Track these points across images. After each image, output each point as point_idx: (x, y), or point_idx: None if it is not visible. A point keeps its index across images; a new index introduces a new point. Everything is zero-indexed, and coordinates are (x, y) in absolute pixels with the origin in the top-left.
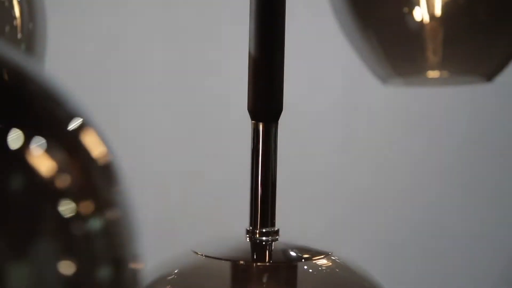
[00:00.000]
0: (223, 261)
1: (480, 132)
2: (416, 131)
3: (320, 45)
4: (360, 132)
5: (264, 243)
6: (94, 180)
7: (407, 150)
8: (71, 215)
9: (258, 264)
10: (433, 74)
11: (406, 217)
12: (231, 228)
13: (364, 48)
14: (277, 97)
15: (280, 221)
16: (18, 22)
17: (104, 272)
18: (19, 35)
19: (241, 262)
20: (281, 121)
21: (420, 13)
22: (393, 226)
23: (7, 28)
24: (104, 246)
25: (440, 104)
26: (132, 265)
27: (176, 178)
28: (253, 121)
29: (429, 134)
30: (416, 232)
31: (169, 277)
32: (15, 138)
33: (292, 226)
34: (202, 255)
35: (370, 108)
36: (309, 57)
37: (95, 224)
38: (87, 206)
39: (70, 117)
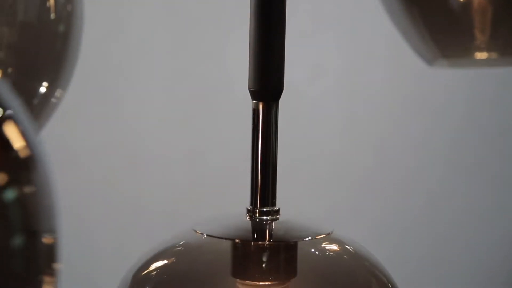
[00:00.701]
0: (223, 239)
1: (479, 114)
2: (416, 114)
3: (322, 28)
4: (361, 115)
5: (264, 222)
6: (12, 154)
7: (407, 133)
8: None
9: (258, 243)
10: (480, 55)
11: (406, 199)
12: (232, 208)
13: (409, 29)
14: (277, 76)
15: (281, 204)
16: (54, 4)
17: (17, 242)
18: (58, 17)
19: (242, 240)
20: (282, 104)
21: None
22: (394, 208)
23: (46, 10)
24: (18, 217)
25: (439, 87)
26: (46, 239)
27: (178, 160)
28: (253, 101)
29: (429, 117)
30: (417, 214)
31: (169, 256)
32: None
33: (293, 209)
34: (202, 233)
35: (370, 92)
36: (311, 39)
37: (10, 195)
38: (2, 178)
39: None
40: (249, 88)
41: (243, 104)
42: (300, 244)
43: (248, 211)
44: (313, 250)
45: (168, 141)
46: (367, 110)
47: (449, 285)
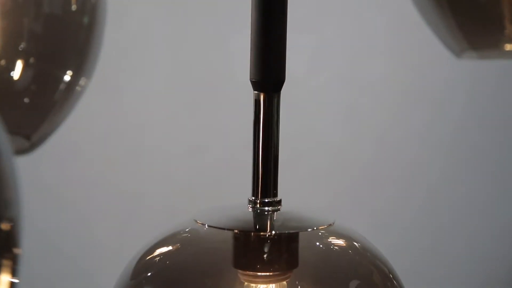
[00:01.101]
0: (224, 230)
1: (480, 106)
2: (417, 106)
3: (323, 18)
4: (362, 106)
5: (266, 213)
6: None
7: (408, 125)
8: None
9: (260, 233)
10: (510, 46)
11: (407, 191)
12: (233, 200)
13: (438, 21)
14: (279, 67)
15: (282, 194)
16: None
17: None
18: (82, 8)
19: (243, 231)
20: (283, 95)
21: None
22: (394, 200)
23: (70, 1)
24: None
25: (440, 79)
26: (4, 226)
27: (179, 152)
28: (255, 92)
29: (430, 109)
30: (418, 206)
31: (171, 246)
32: None
33: (294, 199)
34: (204, 224)
35: (371, 83)
36: (313, 30)
37: None
38: None
39: None
40: (250, 79)
41: (245, 95)
42: (301, 235)
43: (250, 202)
44: (314, 241)
45: (169, 133)
46: (368, 101)
47: (450, 277)
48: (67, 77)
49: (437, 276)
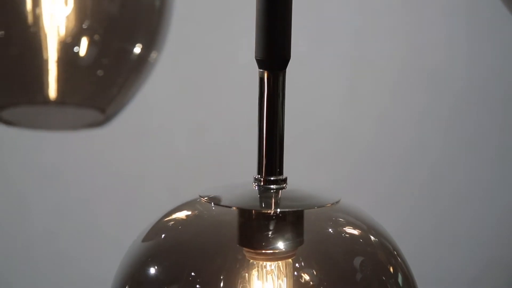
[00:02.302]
0: (230, 208)
1: (481, 85)
2: (419, 86)
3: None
4: (364, 86)
5: (271, 191)
6: None
7: (409, 105)
8: None
9: (265, 211)
10: None
11: (409, 171)
12: (238, 179)
13: None
14: (284, 45)
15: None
16: None
17: None
18: None
19: (248, 209)
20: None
21: None
22: (396, 180)
23: None
24: None
25: (442, 59)
26: None
27: (182, 132)
28: (260, 70)
29: (432, 89)
30: (420, 185)
31: (176, 224)
32: None
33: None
34: (209, 202)
35: (373, 63)
36: (314, 9)
37: None
38: None
39: None
40: (256, 57)
41: (247, 75)
42: (307, 213)
43: (255, 180)
44: (320, 218)
45: (172, 112)
46: (370, 81)
47: (452, 259)
48: (137, 50)
49: (439, 258)
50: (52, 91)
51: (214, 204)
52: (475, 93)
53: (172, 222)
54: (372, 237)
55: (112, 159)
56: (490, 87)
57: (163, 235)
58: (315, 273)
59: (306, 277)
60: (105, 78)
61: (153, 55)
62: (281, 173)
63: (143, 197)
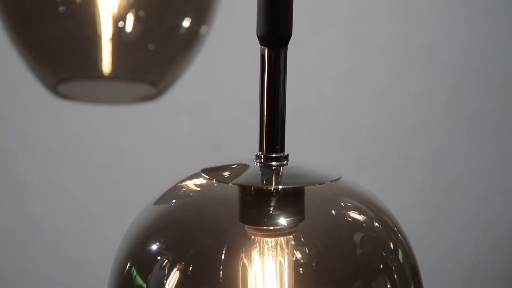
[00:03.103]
0: (232, 185)
1: (482, 65)
2: (419, 66)
3: None
4: (364, 65)
5: (273, 167)
6: None
7: (410, 85)
8: None
9: (267, 188)
10: None
11: (409, 151)
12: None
13: None
14: (286, 21)
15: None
16: None
17: None
18: None
19: (250, 186)
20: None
21: None
22: (396, 159)
23: None
24: None
25: (442, 39)
26: None
27: (183, 109)
28: (262, 47)
29: (432, 69)
30: (420, 165)
31: (177, 201)
32: None
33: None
34: (210, 179)
35: (374, 42)
36: None
37: None
38: None
39: None
40: (257, 34)
41: (249, 53)
42: (308, 189)
43: (257, 157)
44: (321, 195)
45: (173, 91)
46: (370, 60)
47: (454, 238)
48: (188, 25)
49: (441, 238)
50: (106, 66)
51: (216, 180)
52: (474, 71)
53: (173, 199)
54: (372, 214)
55: (112, 139)
56: (489, 64)
57: (164, 212)
58: (315, 249)
59: (307, 253)
60: (156, 53)
61: (203, 29)
62: (282, 150)
63: (144, 176)
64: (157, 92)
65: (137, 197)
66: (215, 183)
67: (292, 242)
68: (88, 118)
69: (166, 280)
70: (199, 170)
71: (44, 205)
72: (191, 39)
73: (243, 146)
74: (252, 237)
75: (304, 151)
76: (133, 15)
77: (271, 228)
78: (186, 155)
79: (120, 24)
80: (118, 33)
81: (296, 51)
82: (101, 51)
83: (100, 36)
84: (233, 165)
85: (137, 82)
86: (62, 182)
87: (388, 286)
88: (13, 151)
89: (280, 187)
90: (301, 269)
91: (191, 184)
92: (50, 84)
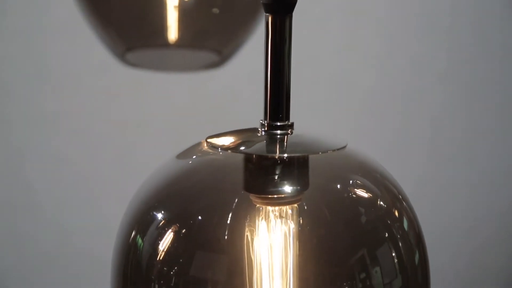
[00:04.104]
0: (236, 153)
1: (484, 35)
2: (420, 35)
3: None
4: (364, 34)
5: (278, 136)
6: None
7: (409, 52)
8: None
9: (272, 156)
10: None
11: (410, 118)
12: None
13: None
14: None
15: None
16: None
17: None
18: None
19: (255, 154)
20: None
21: None
22: (397, 128)
23: None
24: None
25: (445, 8)
26: None
27: (184, 80)
28: (267, 14)
29: (433, 38)
30: (419, 134)
31: (181, 169)
32: None
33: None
34: (215, 147)
35: (374, 11)
36: None
37: None
38: None
39: None
40: (262, 1)
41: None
42: (313, 158)
43: (262, 125)
44: (326, 163)
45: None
46: (370, 29)
47: (451, 206)
48: None
49: (438, 204)
50: (172, 34)
51: (220, 149)
52: (478, 42)
53: (178, 167)
54: (377, 182)
55: (112, 108)
56: (490, 33)
57: (169, 180)
58: (320, 217)
59: (311, 221)
60: (220, 20)
61: None
62: (287, 118)
63: (144, 146)
64: (221, 59)
65: (138, 167)
66: (219, 152)
67: (297, 211)
68: (85, 87)
69: (171, 248)
70: (205, 137)
71: (42, 175)
72: (254, 5)
73: (246, 117)
74: (257, 205)
75: (308, 120)
76: None
77: (276, 196)
78: (186, 125)
79: None
80: (183, 2)
81: (296, 21)
82: (166, 19)
83: (166, 4)
84: (237, 133)
85: (202, 49)
86: (59, 149)
87: (393, 253)
88: (9, 120)
89: (285, 155)
90: (305, 237)
91: (195, 152)
92: (119, 53)
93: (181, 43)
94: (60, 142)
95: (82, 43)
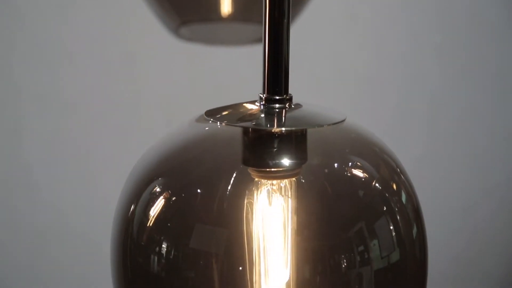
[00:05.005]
0: (235, 127)
1: (484, 12)
2: (419, 12)
3: None
4: (363, 11)
5: (277, 109)
6: None
7: (408, 29)
8: None
9: (270, 130)
10: None
11: (407, 97)
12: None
13: None
14: None
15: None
16: None
17: None
18: None
19: (253, 128)
20: None
21: None
22: (396, 105)
23: None
24: None
25: None
26: None
27: (179, 53)
28: None
29: (432, 15)
30: (419, 110)
31: (180, 143)
32: None
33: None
34: (213, 121)
35: None
36: None
37: None
38: None
39: None
40: None
41: None
42: (312, 131)
43: (261, 98)
44: (325, 137)
45: (167, 38)
46: (369, 5)
47: (448, 183)
48: None
49: (436, 181)
50: (224, 8)
51: (219, 123)
52: (477, 22)
53: (177, 141)
54: (376, 155)
55: (108, 84)
56: (487, 10)
57: (168, 154)
58: (318, 191)
59: (309, 194)
60: None
61: None
62: (286, 92)
63: (142, 122)
64: None
65: (136, 142)
66: (218, 125)
67: (295, 184)
68: (80, 64)
69: (170, 221)
70: (204, 111)
71: (39, 153)
72: None
73: (244, 92)
74: (255, 179)
75: (306, 95)
76: None
77: (274, 170)
78: (182, 102)
79: None
80: None
81: None
82: None
83: None
84: (236, 107)
85: (253, 23)
86: (55, 125)
87: (391, 227)
88: (5, 98)
89: (284, 129)
90: (303, 210)
91: (194, 126)
92: (173, 27)
93: (233, 17)
94: (56, 119)
95: (75, 21)
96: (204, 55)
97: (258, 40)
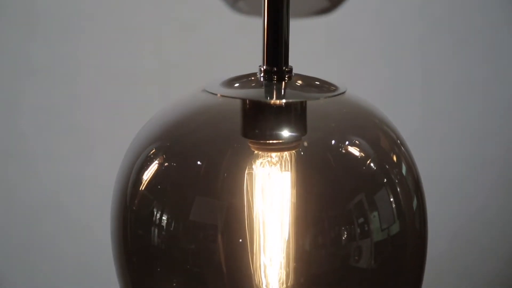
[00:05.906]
0: (235, 99)
1: None
2: None
3: None
4: None
5: (277, 81)
6: None
7: (406, 5)
8: None
9: (270, 102)
10: None
11: (404, 67)
12: (243, 70)
13: None
14: None
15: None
16: None
17: None
18: None
19: (253, 100)
20: None
21: None
22: (392, 76)
23: None
24: None
25: None
26: None
27: (173, 28)
28: None
29: None
30: (415, 84)
31: (180, 116)
32: None
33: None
34: (213, 93)
35: None
36: None
37: None
38: None
39: None
40: None
41: None
42: (312, 103)
43: (261, 71)
44: (325, 109)
45: (160, 10)
46: None
47: (442, 154)
48: None
49: (430, 152)
50: None
51: (219, 95)
52: None
53: (177, 114)
54: (376, 127)
55: (101, 56)
56: None
57: (167, 127)
58: (318, 163)
59: (309, 166)
60: None
61: None
62: (286, 63)
63: (138, 96)
64: (331, 4)
65: (132, 117)
66: (218, 98)
67: (295, 156)
68: (75, 37)
69: (171, 194)
70: (203, 84)
71: (33, 121)
72: None
73: (242, 66)
74: (255, 151)
75: (306, 67)
76: None
77: (274, 142)
78: (176, 75)
79: None
80: None
81: None
82: None
83: None
84: (235, 79)
85: None
86: (50, 98)
87: (391, 199)
88: (1, 72)
89: (284, 101)
90: (303, 182)
91: (194, 99)
92: (231, 0)
93: None
94: (50, 90)
95: None
96: (203, 24)
97: (319, 12)
